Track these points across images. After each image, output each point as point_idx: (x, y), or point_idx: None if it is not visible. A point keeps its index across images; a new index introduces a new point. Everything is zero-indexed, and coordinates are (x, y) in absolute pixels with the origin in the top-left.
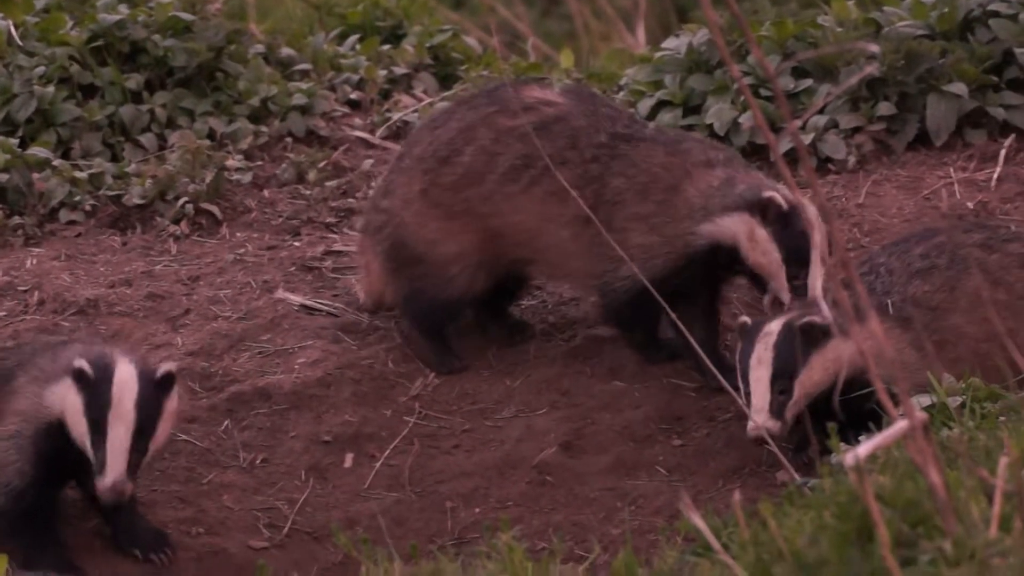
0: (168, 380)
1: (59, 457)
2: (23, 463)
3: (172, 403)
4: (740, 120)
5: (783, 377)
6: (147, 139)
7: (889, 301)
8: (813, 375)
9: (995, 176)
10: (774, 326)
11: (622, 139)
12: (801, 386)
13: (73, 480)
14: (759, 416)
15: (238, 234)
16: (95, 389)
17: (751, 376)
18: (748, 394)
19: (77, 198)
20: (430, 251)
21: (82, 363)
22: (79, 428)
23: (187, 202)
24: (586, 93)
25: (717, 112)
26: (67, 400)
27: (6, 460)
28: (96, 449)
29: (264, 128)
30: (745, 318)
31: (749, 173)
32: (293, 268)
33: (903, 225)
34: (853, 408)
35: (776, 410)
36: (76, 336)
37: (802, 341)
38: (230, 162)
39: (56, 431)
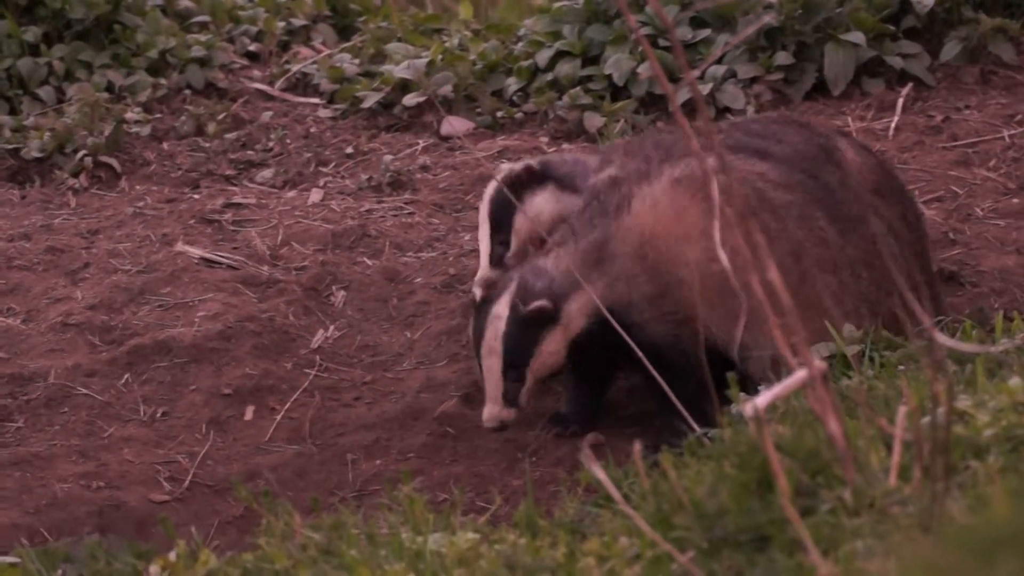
0: None
1: None
2: None
3: None
4: (638, 70)
5: (515, 367)
6: (45, 92)
7: None
8: (544, 360)
9: (893, 125)
10: (501, 309)
11: None
12: (533, 373)
13: None
14: (493, 407)
15: (137, 187)
16: None
17: (483, 364)
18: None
19: None
20: None
21: None
22: None
23: (86, 155)
24: None
25: (615, 63)
26: None
27: None
28: None
29: (163, 80)
30: (477, 289)
31: None
32: (193, 221)
33: None
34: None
35: (510, 398)
36: None
37: (530, 327)
38: (129, 115)
39: None
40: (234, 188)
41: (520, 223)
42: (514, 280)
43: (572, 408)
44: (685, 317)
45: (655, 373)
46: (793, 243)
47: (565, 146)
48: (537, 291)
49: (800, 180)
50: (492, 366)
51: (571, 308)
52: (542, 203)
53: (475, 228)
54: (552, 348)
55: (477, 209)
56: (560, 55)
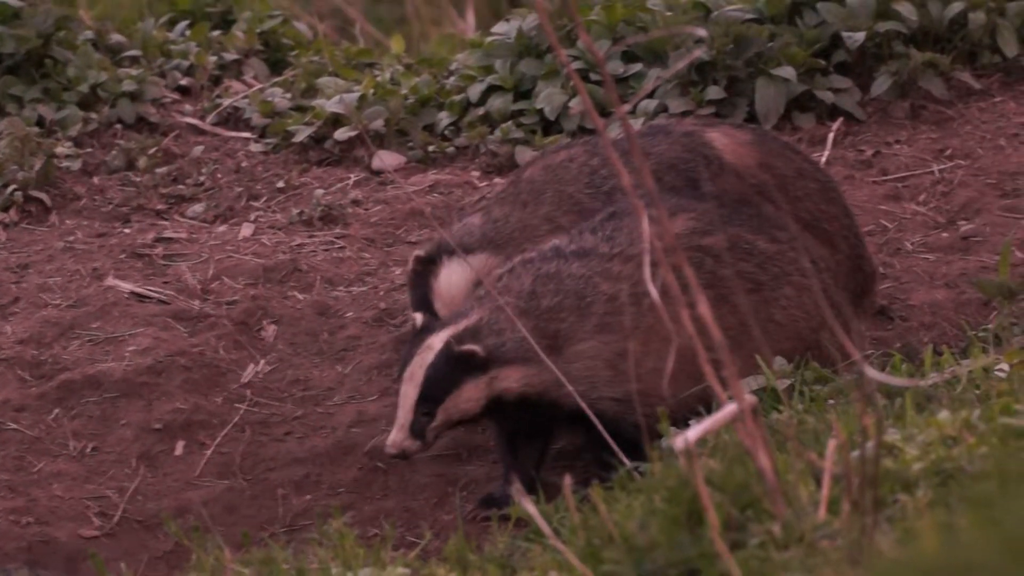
0: None
1: None
2: None
3: None
4: (570, 105)
5: (429, 400)
6: None
7: None
8: (459, 403)
9: (824, 159)
10: (436, 341)
11: None
12: (444, 412)
13: None
14: (398, 435)
15: (67, 221)
16: None
17: (401, 389)
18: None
19: None
20: None
21: None
22: None
23: (16, 190)
24: None
25: (547, 97)
26: None
27: None
28: None
29: (93, 115)
30: (419, 314)
31: None
32: (123, 255)
33: None
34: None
35: (416, 431)
36: None
37: (456, 367)
38: (59, 149)
39: None
40: (165, 222)
41: (440, 307)
42: (464, 320)
43: (505, 488)
44: (654, 408)
45: (604, 432)
46: (745, 277)
47: (496, 180)
48: (479, 339)
49: (709, 211)
50: (408, 393)
51: (508, 372)
52: (448, 276)
53: (406, 263)
54: (470, 396)
55: (408, 243)
56: (492, 89)
